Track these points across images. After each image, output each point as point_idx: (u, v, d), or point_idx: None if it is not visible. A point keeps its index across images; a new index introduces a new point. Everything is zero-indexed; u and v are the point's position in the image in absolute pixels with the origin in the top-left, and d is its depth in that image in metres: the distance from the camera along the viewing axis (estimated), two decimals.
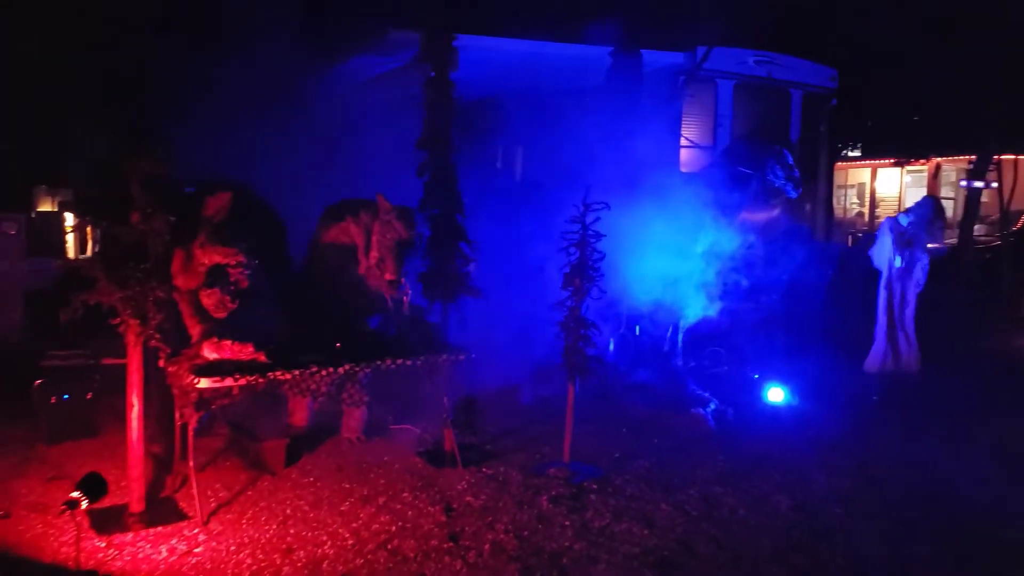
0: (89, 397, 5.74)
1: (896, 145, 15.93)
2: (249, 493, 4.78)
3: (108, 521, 4.28)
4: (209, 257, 4.35)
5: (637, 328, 7.93)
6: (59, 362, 6.60)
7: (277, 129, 9.07)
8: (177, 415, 4.56)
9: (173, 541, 4.09)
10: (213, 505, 4.55)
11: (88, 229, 12.22)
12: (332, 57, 9.92)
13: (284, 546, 4.07)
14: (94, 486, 3.71)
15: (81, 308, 4.29)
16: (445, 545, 4.11)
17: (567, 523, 4.41)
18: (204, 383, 4.21)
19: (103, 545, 4.00)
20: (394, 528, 4.30)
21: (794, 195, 8.19)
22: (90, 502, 3.68)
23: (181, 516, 4.42)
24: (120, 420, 5.89)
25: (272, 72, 9.30)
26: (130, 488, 4.35)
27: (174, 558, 3.90)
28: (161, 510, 4.46)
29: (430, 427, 5.83)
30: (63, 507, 3.63)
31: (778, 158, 7.65)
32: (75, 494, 3.62)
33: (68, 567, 3.76)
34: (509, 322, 7.00)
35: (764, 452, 5.71)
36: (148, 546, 4.03)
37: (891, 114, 14.96)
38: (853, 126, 15.84)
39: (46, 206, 11.93)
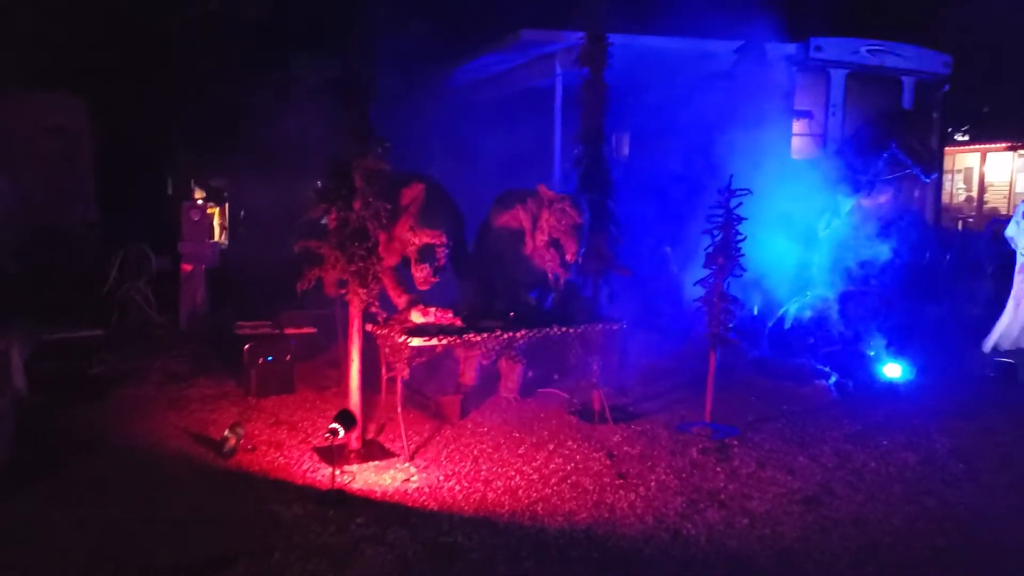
0: (288, 359, 6.75)
1: (1014, 129, 15.74)
2: (437, 438, 5.64)
3: (333, 456, 5.19)
4: (419, 238, 5.20)
5: (755, 308, 8.49)
6: (249, 331, 7.69)
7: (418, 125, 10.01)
8: (384, 370, 5.45)
9: (391, 472, 4.97)
10: (412, 447, 5.42)
11: (216, 215, 13.56)
12: (464, 56, 10.81)
13: (481, 478, 4.89)
14: (347, 419, 4.61)
15: (314, 281, 5.26)
16: (616, 482, 4.85)
17: (718, 469, 5.09)
18: (416, 342, 5.07)
19: (337, 473, 4.90)
20: (569, 467, 5.08)
21: (927, 180, 8.54)
22: (345, 431, 4.58)
23: (388, 454, 5.30)
24: (305, 381, 6.96)
25: (415, 76, 10.25)
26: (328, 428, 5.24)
27: (397, 484, 4.77)
28: (372, 449, 5.35)
29: (574, 390, 6.59)
30: (327, 435, 4.56)
31: (905, 143, 8.02)
32: (334, 425, 4.53)
33: (317, 488, 4.70)
34: (642, 296, 7.69)
35: (887, 418, 6.23)
36: (372, 475, 4.92)
37: (1008, 97, 14.83)
38: (962, 110, 15.73)
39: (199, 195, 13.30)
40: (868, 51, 10.81)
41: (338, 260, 5.04)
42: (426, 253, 5.20)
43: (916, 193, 11.25)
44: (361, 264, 5.04)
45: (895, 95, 11.15)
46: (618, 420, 6.03)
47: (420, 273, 5.22)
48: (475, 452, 5.37)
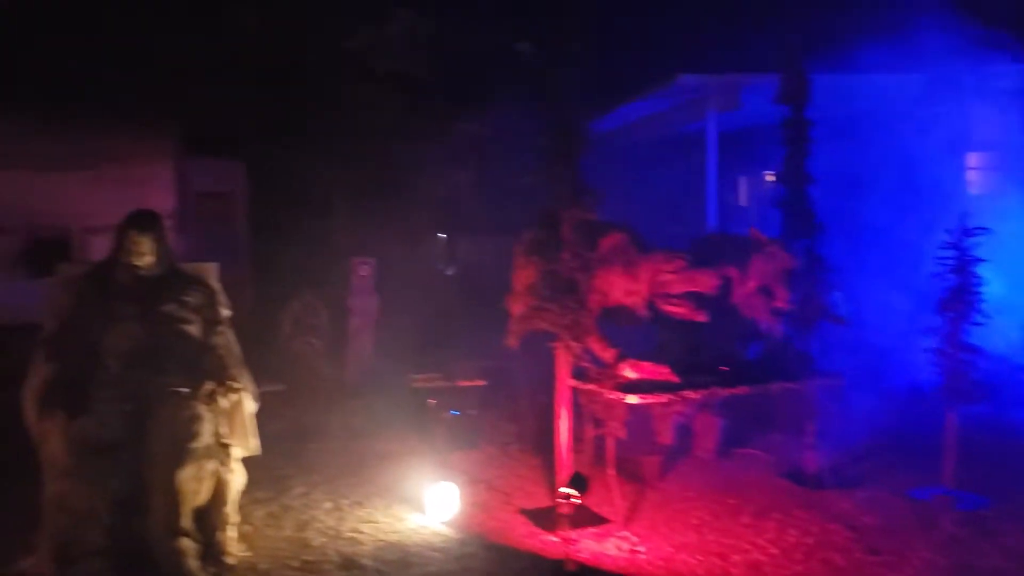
0: (474, 414, 6.60)
1: None
2: (643, 503, 5.28)
3: (543, 520, 4.93)
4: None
5: None
6: (423, 384, 7.59)
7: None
8: (589, 428, 5.17)
9: (613, 540, 4.64)
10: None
11: None
12: (613, 101, 10.69)
13: (715, 552, 4.48)
14: (581, 483, 4.34)
15: (523, 336, 5.09)
16: (871, 558, 4.33)
17: (984, 545, 4.48)
18: (633, 399, 4.77)
19: (556, 540, 4.62)
20: (809, 541, 4.59)
21: None
22: (578, 495, 4.30)
23: (599, 519, 4.97)
24: (483, 436, 6.75)
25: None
26: (559, 492, 4.97)
27: (625, 554, 4.44)
28: (581, 513, 5.01)
29: (771, 449, 6.10)
30: (560, 500, 4.30)
31: None
32: (566, 490, 4.27)
33: (541, 556, 4.43)
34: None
35: None
36: (593, 543, 4.60)
37: None
38: None
39: None
40: None
41: (548, 314, 4.84)
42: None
43: None
44: (572, 316, 4.83)
45: None
46: (839, 485, 5.49)
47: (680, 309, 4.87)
48: (694, 520, 4.97)
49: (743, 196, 13.79)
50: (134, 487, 3.98)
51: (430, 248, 18.71)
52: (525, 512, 5.08)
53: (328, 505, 5.20)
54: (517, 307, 5.48)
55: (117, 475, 3.93)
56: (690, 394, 4.96)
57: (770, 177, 13.33)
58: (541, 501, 5.34)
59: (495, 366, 7.50)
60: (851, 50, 8.47)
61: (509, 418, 7.14)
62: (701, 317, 4.86)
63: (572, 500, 4.23)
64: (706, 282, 4.79)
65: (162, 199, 10.14)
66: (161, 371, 4.24)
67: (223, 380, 4.29)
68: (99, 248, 9.64)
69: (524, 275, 5.24)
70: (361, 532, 4.74)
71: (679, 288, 4.78)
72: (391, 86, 9.03)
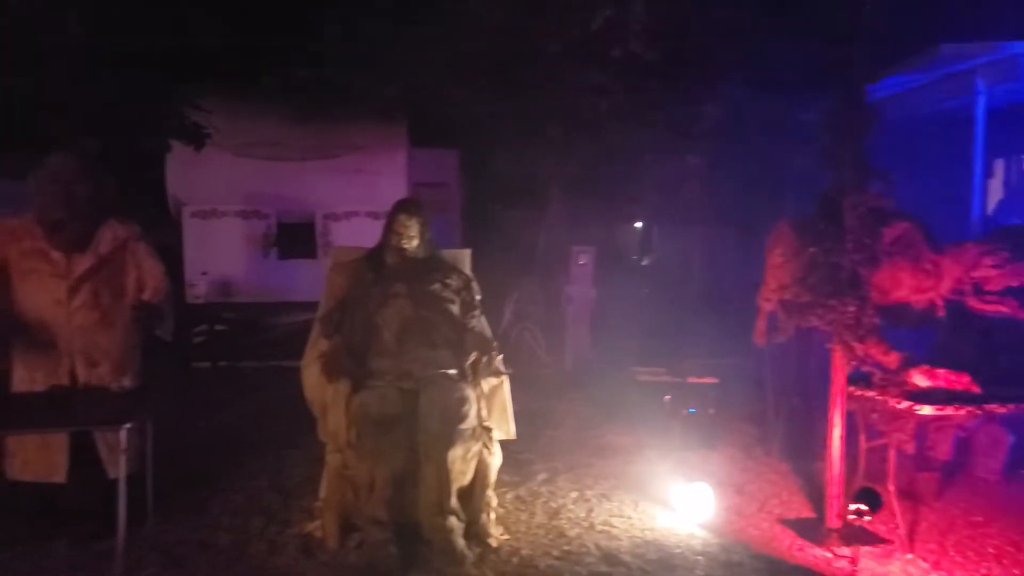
0: (711, 412, 6.28)
1: None
2: (923, 524, 4.71)
3: (809, 532, 4.54)
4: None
5: None
6: (649, 377, 7.36)
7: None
8: (862, 439, 4.69)
9: (896, 562, 4.17)
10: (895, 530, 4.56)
11: None
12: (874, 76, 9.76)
13: None
14: (873, 498, 3.94)
15: (792, 332, 4.71)
16: None
17: None
18: (927, 410, 4.24)
19: (829, 556, 4.23)
20: None
21: None
22: (871, 512, 3.91)
23: (874, 538, 4.47)
24: (721, 436, 6.40)
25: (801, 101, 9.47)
26: (828, 504, 4.54)
27: None
28: (851, 530, 4.57)
29: None
30: (851, 515, 3.93)
31: None
32: (859, 505, 3.89)
33: (813, 570, 4.07)
34: None
35: None
36: (874, 564, 4.15)
37: None
38: None
39: None
40: None
41: (827, 311, 4.42)
42: None
43: None
44: (855, 315, 4.37)
45: None
46: None
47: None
48: (990, 549, 4.36)
49: (999, 181, 12.20)
50: (409, 462, 4.08)
51: (626, 237, 18.36)
52: (786, 522, 4.71)
53: (574, 495, 5.13)
54: (771, 303, 5.12)
55: (395, 449, 4.05)
56: (997, 408, 4.33)
57: None
58: (800, 511, 4.94)
59: (724, 363, 7.13)
60: None
61: (750, 419, 6.73)
62: None
63: (864, 516, 3.82)
64: None
65: (394, 188, 10.60)
66: (431, 346, 4.34)
67: (490, 361, 4.32)
68: (339, 234, 10.31)
69: (790, 268, 4.83)
70: (614, 527, 4.60)
71: (1000, 283, 4.16)
72: (619, 69, 8.80)
